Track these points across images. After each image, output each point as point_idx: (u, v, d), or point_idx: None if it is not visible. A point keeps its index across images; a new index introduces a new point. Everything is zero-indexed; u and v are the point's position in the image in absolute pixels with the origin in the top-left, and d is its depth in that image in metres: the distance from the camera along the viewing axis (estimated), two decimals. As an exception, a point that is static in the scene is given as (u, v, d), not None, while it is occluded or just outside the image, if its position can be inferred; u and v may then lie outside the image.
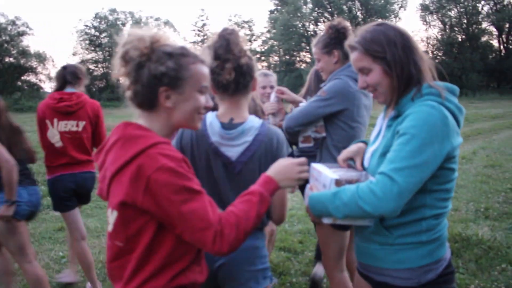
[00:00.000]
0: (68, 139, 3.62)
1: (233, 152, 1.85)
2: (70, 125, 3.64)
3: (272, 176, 1.56)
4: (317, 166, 1.83)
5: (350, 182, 1.66)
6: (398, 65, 1.65)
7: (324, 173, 1.72)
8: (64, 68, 3.78)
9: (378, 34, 1.68)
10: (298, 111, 2.81)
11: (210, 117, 1.88)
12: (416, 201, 1.60)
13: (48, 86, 52.66)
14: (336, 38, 2.77)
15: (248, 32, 64.90)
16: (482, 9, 53.38)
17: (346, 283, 2.79)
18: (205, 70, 1.55)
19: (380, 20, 1.76)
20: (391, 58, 1.65)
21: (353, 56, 1.74)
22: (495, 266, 4.03)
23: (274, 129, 1.93)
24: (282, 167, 1.59)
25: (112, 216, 1.47)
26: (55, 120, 3.60)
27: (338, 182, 1.65)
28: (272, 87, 3.60)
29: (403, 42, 1.66)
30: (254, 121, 1.89)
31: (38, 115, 3.66)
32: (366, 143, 1.97)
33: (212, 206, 1.43)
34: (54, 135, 3.60)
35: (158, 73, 1.46)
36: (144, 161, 1.37)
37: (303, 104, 2.95)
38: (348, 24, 2.85)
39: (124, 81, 1.52)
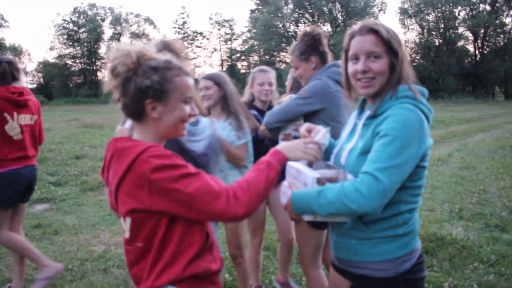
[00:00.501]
0: (26, 132, 3.64)
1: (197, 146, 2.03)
2: (27, 119, 3.66)
3: (279, 149, 1.71)
4: (294, 164, 1.85)
5: (329, 180, 1.71)
6: (401, 66, 1.74)
7: (304, 172, 1.75)
8: (8, 63, 3.64)
9: (392, 31, 1.76)
10: (279, 107, 2.87)
11: None
12: (393, 198, 1.66)
13: (24, 80, 51.48)
14: (312, 45, 2.86)
15: (229, 31, 64.83)
16: (458, 14, 54.48)
17: (321, 280, 2.86)
18: (189, 81, 1.64)
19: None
20: (401, 57, 1.74)
21: (367, 38, 1.75)
22: (468, 265, 4.14)
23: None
24: (290, 143, 1.75)
25: (126, 223, 1.57)
26: (15, 114, 3.56)
27: (319, 181, 1.69)
28: (270, 84, 3.56)
29: (403, 48, 1.77)
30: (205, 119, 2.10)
31: None
32: None
33: (214, 180, 1.54)
34: (13, 128, 3.56)
35: (143, 87, 1.55)
36: (139, 167, 1.47)
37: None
38: (321, 30, 2.93)
39: (114, 93, 1.62)
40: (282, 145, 1.74)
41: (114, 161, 1.57)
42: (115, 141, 1.61)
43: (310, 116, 2.79)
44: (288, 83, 4.68)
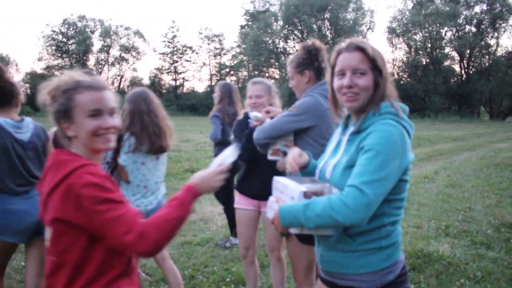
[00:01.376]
0: None
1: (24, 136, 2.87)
2: None
3: (193, 185, 1.77)
4: (280, 179, 1.91)
5: (316, 193, 1.76)
6: (385, 83, 1.82)
7: (291, 186, 1.80)
8: None
9: (377, 49, 1.84)
10: (269, 124, 2.86)
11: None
12: (376, 210, 1.71)
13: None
14: (307, 59, 2.86)
15: (218, 46, 65.09)
16: (445, 34, 55.39)
17: None
18: (91, 95, 1.69)
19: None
20: (384, 74, 1.82)
21: (353, 55, 1.82)
22: (455, 281, 4.17)
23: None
24: (204, 176, 1.81)
25: (47, 232, 1.66)
26: None
27: (306, 194, 1.74)
28: (258, 96, 3.46)
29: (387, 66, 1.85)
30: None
31: None
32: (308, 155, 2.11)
33: (134, 213, 1.61)
34: None
35: (55, 111, 1.70)
36: (72, 180, 1.57)
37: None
38: (322, 46, 2.92)
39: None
40: (196, 179, 1.79)
41: (51, 172, 1.67)
42: (57, 152, 1.72)
43: (300, 133, 2.81)
44: (215, 95, 4.89)
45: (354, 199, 1.60)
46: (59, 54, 58.34)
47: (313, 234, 1.82)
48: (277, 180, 1.92)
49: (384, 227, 1.77)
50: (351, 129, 1.86)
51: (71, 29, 58.94)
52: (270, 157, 2.96)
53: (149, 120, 3.36)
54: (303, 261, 2.84)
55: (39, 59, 62.59)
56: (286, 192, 1.82)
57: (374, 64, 1.80)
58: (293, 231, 1.76)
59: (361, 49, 1.81)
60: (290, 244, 2.88)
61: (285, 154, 2.92)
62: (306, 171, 2.11)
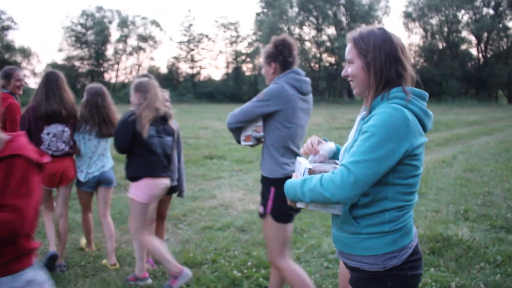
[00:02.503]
0: None
1: None
2: None
3: None
4: (300, 159, 2.04)
5: (323, 172, 1.83)
6: (377, 66, 1.83)
7: (302, 164, 1.93)
8: None
9: (371, 35, 1.86)
10: (239, 109, 3.05)
11: None
12: (378, 194, 1.77)
13: (33, 82, 52.02)
14: (274, 53, 3.10)
15: (234, 34, 64.93)
16: (462, 18, 54.47)
17: (293, 267, 3.08)
18: None
19: (381, 26, 1.94)
20: (371, 59, 1.83)
21: (348, 47, 1.95)
22: (474, 265, 4.20)
23: None
24: None
25: None
26: None
27: (311, 171, 1.83)
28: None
29: (389, 50, 1.83)
30: None
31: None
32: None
33: None
34: None
35: None
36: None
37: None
38: (292, 41, 3.16)
39: None
40: None
41: None
42: None
43: (267, 118, 3.00)
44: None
45: (341, 177, 1.67)
46: (78, 45, 58.89)
47: (321, 210, 1.91)
48: (298, 160, 2.05)
49: (387, 212, 1.79)
50: (363, 114, 1.93)
51: (89, 19, 59.41)
52: (243, 143, 3.17)
53: (104, 112, 4.23)
54: (277, 239, 3.03)
55: (60, 50, 63.35)
56: (299, 169, 1.95)
57: (359, 51, 1.87)
58: (299, 205, 1.86)
59: (351, 39, 1.91)
60: (265, 224, 3.07)
61: (256, 139, 3.12)
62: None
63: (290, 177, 2.69)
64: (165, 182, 3.83)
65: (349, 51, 1.91)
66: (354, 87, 1.94)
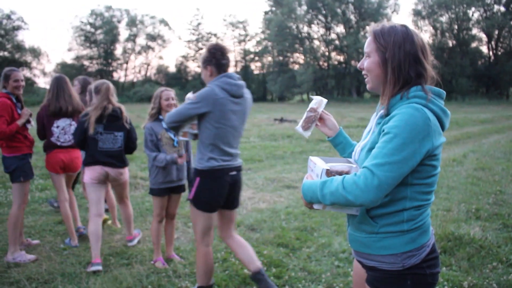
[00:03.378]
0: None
1: None
2: None
3: None
4: (313, 159, 2.00)
5: (340, 173, 1.82)
6: (394, 64, 1.79)
7: (318, 164, 1.89)
8: None
9: (392, 32, 1.82)
10: (175, 110, 3.33)
11: None
12: (397, 194, 1.75)
13: (43, 81, 52.39)
14: (208, 57, 3.38)
15: (243, 32, 64.97)
16: (472, 15, 54.01)
17: (207, 256, 3.47)
18: None
19: (404, 23, 1.91)
20: (390, 56, 1.79)
21: (368, 39, 1.92)
22: (487, 264, 4.17)
23: None
24: None
25: None
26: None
27: (328, 172, 1.81)
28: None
29: (409, 49, 1.79)
30: None
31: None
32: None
33: None
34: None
35: None
36: None
37: None
38: (223, 45, 3.49)
39: None
40: None
41: None
42: None
43: (200, 118, 3.31)
44: (76, 88, 5.66)
45: (365, 180, 1.64)
46: (88, 44, 59.37)
47: (338, 211, 1.89)
48: (311, 159, 2.01)
49: (406, 211, 1.78)
50: (381, 112, 1.89)
51: (98, 19, 59.85)
52: (181, 138, 3.65)
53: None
54: (200, 224, 3.41)
55: (69, 50, 63.90)
56: (314, 170, 1.92)
57: (377, 46, 1.83)
58: (316, 207, 1.83)
59: (371, 32, 1.88)
60: (191, 210, 3.44)
61: (192, 135, 3.56)
62: (335, 141, 2.25)
63: (214, 170, 3.32)
64: (106, 169, 4.43)
65: (368, 44, 1.88)
66: (367, 81, 1.92)
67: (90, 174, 4.40)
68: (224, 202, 3.46)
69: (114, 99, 4.46)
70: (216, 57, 3.35)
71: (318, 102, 2.20)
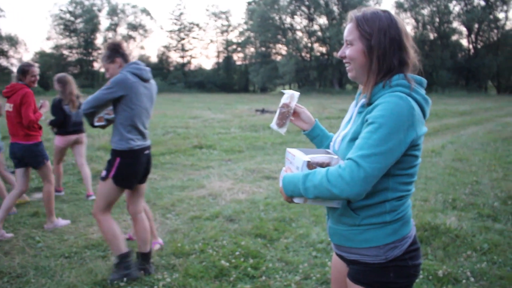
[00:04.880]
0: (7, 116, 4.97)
1: None
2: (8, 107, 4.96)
3: None
4: (292, 151, 1.92)
5: (321, 165, 1.75)
6: (380, 52, 1.73)
7: (297, 156, 1.81)
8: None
9: (376, 18, 1.75)
10: (91, 97, 3.52)
11: None
12: (379, 185, 1.70)
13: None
14: (113, 51, 3.69)
15: (226, 23, 64.56)
16: (453, 9, 54.56)
17: (110, 220, 3.72)
18: None
19: (386, 9, 1.83)
20: (375, 43, 1.73)
21: (348, 26, 1.83)
22: (462, 253, 4.22)
23: None
24: None
25: None
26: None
27: (309, 165, 1.73)
28: None
29: (394, 35, 1.74)
30: None
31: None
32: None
33: None
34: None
35: None
36: None
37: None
38: (120, 41, 3.89)
39: None
40: None
41: None
42: None
43: (116, 102, 3.56)
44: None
45: (350, 172, 1.57)
46: (67, 33, 58.34)
47: (320, 205, 1.84)
48: (289, 151, 1.93)
49: (388, 202, 1.74)
50: (362, 101, 1.83)
51: (78, 7, 58.82)
52: (96, 123, 3.77)
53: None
54: (107, 198, 3.67)
55: (48, 39, 62.74)
56: (294, 162, 1.84)
57: (361, 33, 1.75)
58: (296, 200, 1.76)
59: (353, 18, 1.79)
60: (103, 185, 3.67)
61: (107, 120, 3.79)
62: (311, 134, 2.18)
63: (133, 150, 3.63)
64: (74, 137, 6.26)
65: (350, 32, 1.79)
66: (350, 70, 1.83)
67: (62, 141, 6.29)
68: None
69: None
70: (120, 50, 3.69)
71: (290, 96, 2.12)
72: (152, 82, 3.83)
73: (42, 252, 4.34)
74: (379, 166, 1.59)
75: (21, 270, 3.92)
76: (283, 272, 3.91)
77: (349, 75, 1.86)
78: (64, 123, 6.19)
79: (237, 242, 4.53)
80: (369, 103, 1.77)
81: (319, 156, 1.80)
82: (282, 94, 2.15)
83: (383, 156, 1.59)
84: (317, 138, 2.17)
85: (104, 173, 3.66)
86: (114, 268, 3.73)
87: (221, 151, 10.55)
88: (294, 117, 2.18)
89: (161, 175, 7.97)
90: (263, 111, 21.25)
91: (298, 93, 2.14)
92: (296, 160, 1.81)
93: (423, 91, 1.78)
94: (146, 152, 3.79)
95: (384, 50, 1.73)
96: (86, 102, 3.51)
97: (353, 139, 1.74)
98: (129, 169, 3.67)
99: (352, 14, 1.82)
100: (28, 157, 4.89)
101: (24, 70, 4.97)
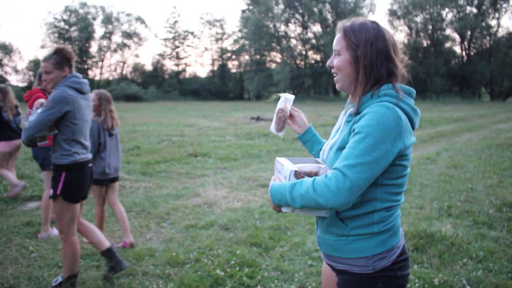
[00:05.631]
0: None
1: None
2: None
3: None
4: (281, 160, 1.93)
5: (309, 174, 1.76)
6: (366, 62, 1.74)
7: (286, 166, 1.82)
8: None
9: (363, 29, 1.76)
10: (33, 121, 3.37)
11: None
12: (367, 195, 1.71)
13: (15, 79, 51.17)
14: (64, 58, 3.55)
15: (220, 31, 64.73)
16: (446, 16, 54.97)
17: (76, 244, 3.66)
18: None
19: (374, 20, 1.85)
20: (361, 54, 1.74)
21: (336, 36, 1.85)
22: (457, 261, 4.22)
23: None
24: None
25: None
26: None
27: (297, 174, 1.74)
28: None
29: (381, 46, 1.74)
30: None
31: None
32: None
33: None
34: None
35: None
36: None
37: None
38: (71, 50, 3.66)
39: None
40: None
41: None
42: None
43: (59, 120, 3.43)
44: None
45: (336, 182, 1.58)
46: (62, 41, 58.14)
47: (308, 214, 1.83)
48: (278, 160, 1.94)
49: (376, 213, 1.74)
50: (350, 110, 1.84)
51: (73, 16, 58.81)
52: (39, 143, 3.54)
53: None
54: (68, 216, 3.57)
55: (42, 47, 62.33)
56: (282, 171, 1.85)
57: (347, 44, 1.77)
58: (284, 210, 1.76)
59: (341, 29, 1.81)
60: (55, 205, 3.56)
61: (49, 137, 3.57)
62: (303, 138, 2.21)
63: (78, 163, 3.54)
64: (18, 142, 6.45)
65: (338, 41, 1.81)
66: (337, 80, 1.85)
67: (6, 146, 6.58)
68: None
69: None
70: (71, 62, 3.59)
71: (285, 100, 2.16)
72: (89, 93, 3.74)
73: (36, 262, 4.30)
74: (364, 176, 1.59)
75: (14, 280, 3.88)
76: (278, 281, 3.89)
77: (337, 86, 1.88)
78: (5, 129, 6.57)
79: (233, 251, 4.51)
80: (356, 113, 1.77)
81: (307, 166, 1.81)
82: (279, 98, 2.20)
83: (368, 166, 1.59)
84: (308, 143, 2.21)
85: (51, 192, 3.54)
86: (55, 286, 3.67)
87: (216, 159, 10.53)
88: (290, 120, 2.22)
89: (156, 183, 7.93)
90: (258, 118, 21.25)
91: (293, 96, 2.16)
92: (284, 169, 1.82)
93: (411, 101, 1.78)
94: (90, 165, 3.71)
95: (371, 61, 1.74)
96: (29, 128, 3.36)
97: (341, 148, 1.75)
98: (76, 183, 3.56)
99: (340, 24, 1.84)
100: (41, 158, 5.18)
101: (40, 75, 5.12)
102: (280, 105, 2.16)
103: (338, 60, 1.80)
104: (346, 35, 1.77)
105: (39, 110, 3.43)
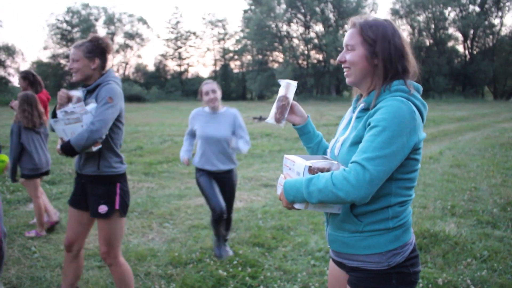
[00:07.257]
0: None
1: None
2: None
3: None
4: (290, 157, 1.90)
5: (322, 170, 1.75)
6: (385, 58, 1.76)
7: (297, 162, 1.80)
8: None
9: (379, 25, 1.78)
10: (98, 122, 2.83)
11: None
12: (382, 190, 1.70)
13: (17, 81, 51.66)
14: (100, 48, 3.04)
15: (222, 31, 64.77)
16: (448, 15, 54.88)
17: (126, 263, 3.18)
18: None
19: (386, 18, 1.87)
20: (380, 49, 1.75)
21: (349, 31, 1.85)
22: (461, 261, 4.19)
23: None
24: None
25: None
26: None
27: (311, 169, 1.72)
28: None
29: (398, 43, 1.77)
30: None
31: None
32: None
33: None
34: None
35: None
36: None
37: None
38: (109, 42, 3.12)
39: None
40: None
41: None
42: None
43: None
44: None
45: (356, 175, 1.58)
46: (64, 43, 58.34)
47: (320, 211, 1.82)
48: (287, 157, 1.91)
49: (391, 208, 1.74)
50: (361, 106, 1.83)
51: (75, 17, 58.96)
52: (94, 149, 2.91)
53: None
54: (119, 234, 3.10)
55: (45, 48, 62.62)
56: (293, 168, 1.82)
57: (364, 38, 1.78)
58: (298, 206, 1.74)
59: (356, 24, 1.82)
60: (111, 223, 3.01)
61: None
62: (303, 129, 2.12)
63: (125, 172, 3.06)
64: None
65: (352, 36, 1.81)
66: (349, 75, 1.84)
67: None
68: None
69: None
70: (107, 51, 3.08)
71: (286, 86, 2.00)
72: None
73: (38, 262, 4.30)
74: (383, 169, 1.59)
75: (16, 281, 3.88)
76: (281, 281, 3.87)
77: (348, 80, 1.87)
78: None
79: (235, 251, 4.49)
80: (367, 108, 1.78)
81: (319, 162, 1.79)
82: (279, 84, 2.05)
83: (387, 158, 1.60)
84: (307, 135, 2.14)
85: (105, 208, 2.97)
86: None
87: (218, 159, 10.50)
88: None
89: (159, 183, 7.93)
90: (260, 118, 21.26)
91: (296, 82, 2.01)
92: (297, 165, 1.80)
93: (419, 97, 1.80)
94: None
95: (389, 56, 1.76)
96: (96, 130, 2.81)
97: (355, 143, 1.74)
98: (128, 193, 3.12)
99: (354, 19, 1.84)
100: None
101: (39, 82, 5.40)
102: (282, 92, 2.01)
103: (352, 54, 1.80)
104: (363, 30, 1.78)
105: (91, 107, 2.91)
